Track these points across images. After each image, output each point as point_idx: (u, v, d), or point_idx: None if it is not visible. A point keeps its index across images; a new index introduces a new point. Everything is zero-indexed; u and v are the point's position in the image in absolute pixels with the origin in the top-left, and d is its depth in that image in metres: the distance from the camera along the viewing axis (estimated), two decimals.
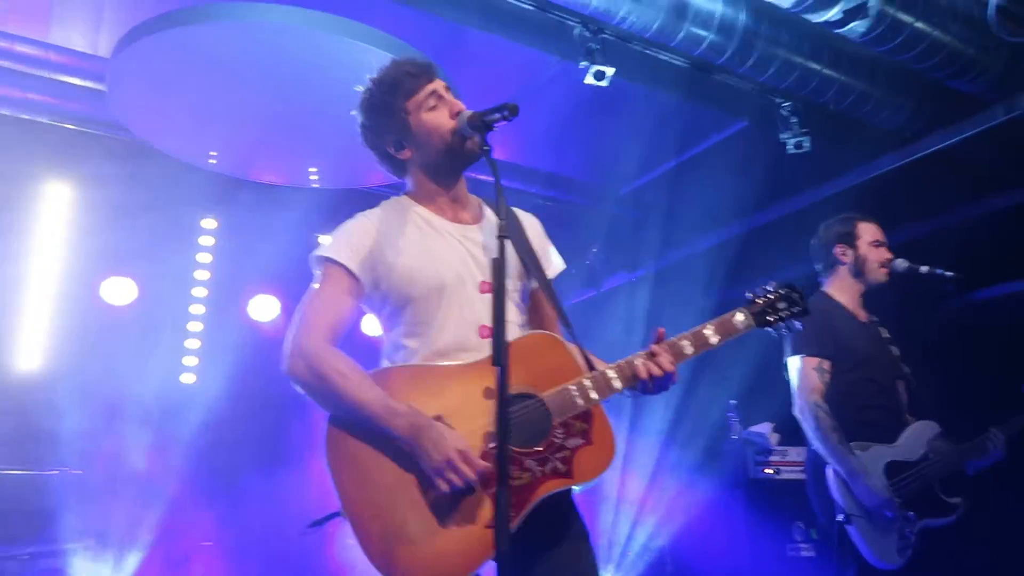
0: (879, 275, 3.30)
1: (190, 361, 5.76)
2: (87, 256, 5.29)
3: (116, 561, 4.44)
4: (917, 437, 3.10)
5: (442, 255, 2.02)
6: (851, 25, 3.44)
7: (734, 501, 4.99)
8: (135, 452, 4.90)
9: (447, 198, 2.11)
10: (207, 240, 5.85)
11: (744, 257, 5.26)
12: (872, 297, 3.36)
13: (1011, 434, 3.14)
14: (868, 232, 3.35)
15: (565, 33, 3.61)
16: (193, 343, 5.75)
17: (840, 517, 2.93)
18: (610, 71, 3.39)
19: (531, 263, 2.09)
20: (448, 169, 2.10)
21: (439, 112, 2.05)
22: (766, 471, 4.94)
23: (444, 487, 1.78)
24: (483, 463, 1.80)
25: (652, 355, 1.96)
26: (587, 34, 3.46)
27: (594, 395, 1.91)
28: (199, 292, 5.81)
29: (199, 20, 3.46)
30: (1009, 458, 3.13)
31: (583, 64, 3.46)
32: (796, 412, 3.16)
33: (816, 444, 3.07)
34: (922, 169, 4.36)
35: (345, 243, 2.02)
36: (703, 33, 3.59)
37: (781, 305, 2.14)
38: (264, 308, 5.90)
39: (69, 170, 5.19)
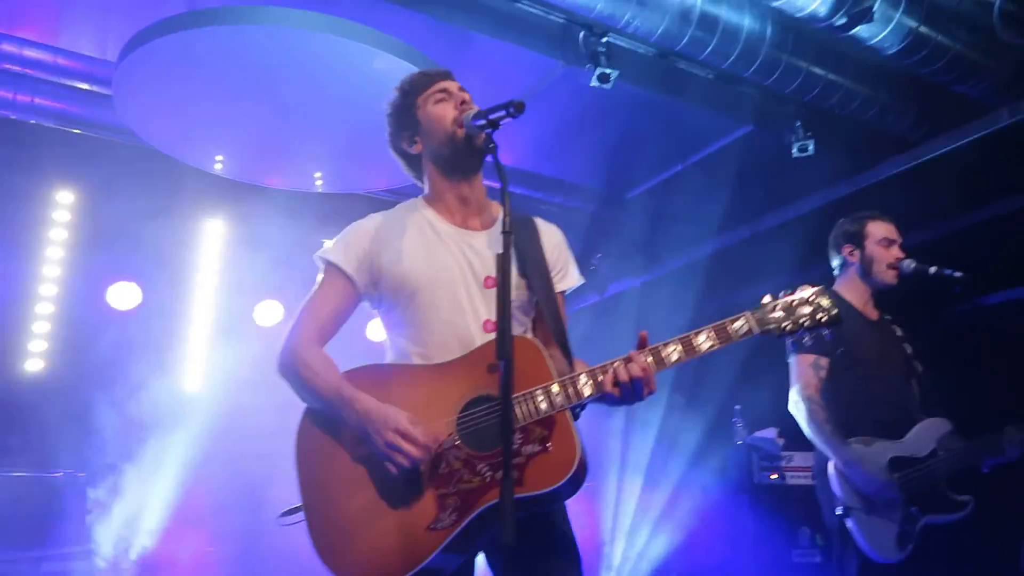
0: (887, 276, 3.27)
1: None
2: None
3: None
4: (926, 434, 3.07)
5: (438, 258, 2.04)
6: (856, 30, 3.45)
7: (739, 507, 4.97)
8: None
9: (456, 199, 2.11)
10: None
11: (749, 261, 5.26)
12: (883, 296, 3.33)
13: None
14: (878, 231, 3.31)
15: (570, 37, 3.63)
16: None
17: (839, 510, 2.93)
18: (614, 74, 3.40)
19: (534, 274, 2.06)
20: (454, 163, 2.10)
21: (445, 104, 2.07)
22: (772, 476, 4.93)
23: (391, 468, 1.80)
24: (425, 440, 1.79)
25: (627, 361, 1.84)
26: (592, 38, 3.48)
27: (560, 400, 1.82)
28: None
29: (206, 23, 3.48)
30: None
31: (587, 67, 3.47)
32: (790, 407, 3.18)
33: (811, 437, 3.09)
34: (926, 174, 4.36)
35: (343, 244, 2.08)
36: (707, 37, 3.61)
37: (803, 311, 1.93)
38: None
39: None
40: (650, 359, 1.85)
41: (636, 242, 6.01)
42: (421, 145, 2.12)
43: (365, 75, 3.72)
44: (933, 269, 3.19)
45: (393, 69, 3.72)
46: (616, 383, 1.82)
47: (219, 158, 4.79)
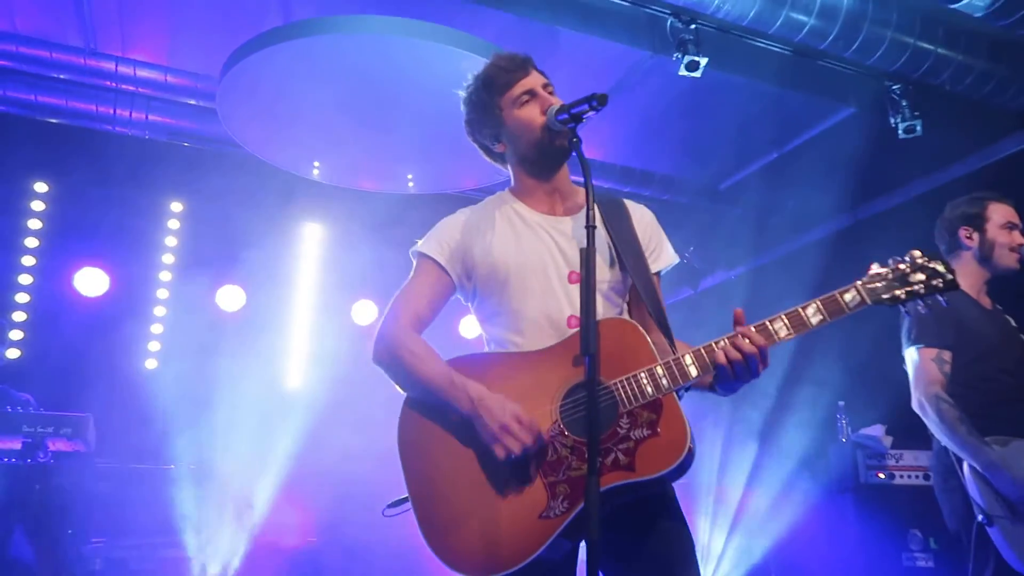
0: (1009, 261, 3.02)
1: None
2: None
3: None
4: None
5: (527, 246, 2.02)
6: (968, 0, 3.23)
7: (843, 507, 4.77)
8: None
9: (543, 191, 2.11)
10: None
11: (853, 251, 5.01)
12: (995, 284, 3.11)
13: None
14: (999, 214, 3.06)
15: (658, 27, 3.56)
16: None
17: (980, 518, 2.71)
18: (703, 61, 3.30)
19: (627, 256, 2.02)
20: (541, 164, 2.09)
21: (531, 108, 2.04)
22: (879, 476, 4.71)
23: (500, 452, 1.77)
24: (539, 427, 1.77)
25: (737, 336, 1.78)
26: (679, 25, 3.39)
27: (665, 383, 1.77)
28: None
29: (299, 35, 3.61)
30: None
31: (676, 56, 3.38)
32: (915, 407, 2.95)
33: (943, 439, 2.85)
34: None
35: (436, 238, 2.09)
36: (803, 18, 3.46)
37: (917, 277, 1.83)
38: None
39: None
40: (759, 334, 1.78)
41: (730, 234, 5.83)
42: (505, 147, 2.11)
43: (453, 77, 3.76)
44: None
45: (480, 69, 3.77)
46: (728, 360, 1.76)
47: (316, 164, 4.97)
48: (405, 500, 1.93)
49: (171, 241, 5.78)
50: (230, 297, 5.82)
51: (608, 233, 2.03)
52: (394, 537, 5.02)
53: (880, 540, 4.52)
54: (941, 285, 1.83)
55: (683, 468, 1.74)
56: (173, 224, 5.79)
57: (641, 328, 1.87)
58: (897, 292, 1.82)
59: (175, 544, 4.29)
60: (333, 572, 4.98)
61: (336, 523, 5.17)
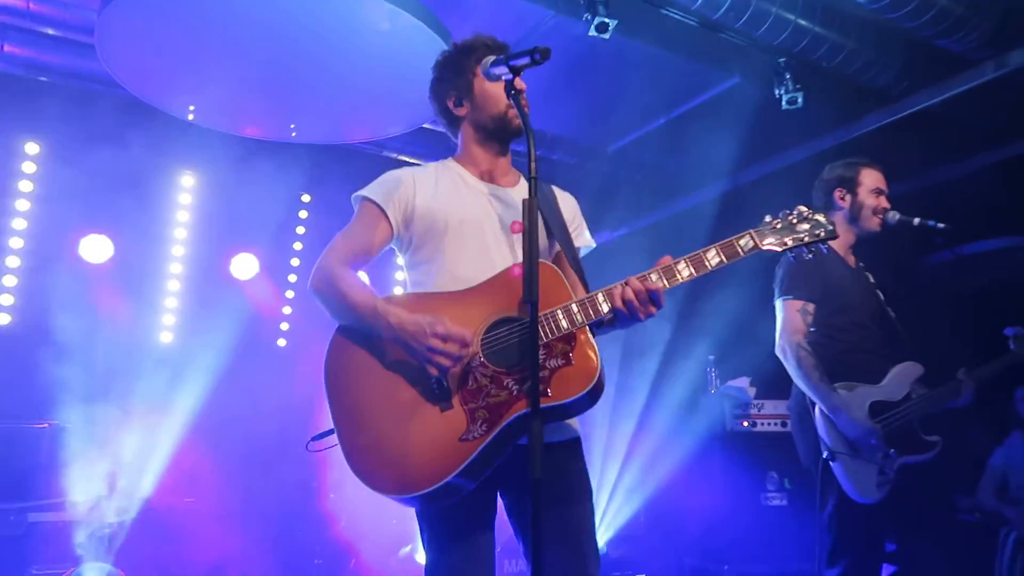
0: (872, 224, 3.36)
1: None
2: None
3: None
4: (901, 378, 3.19)
5: (468, 204, 2.20)
6: None
7: (712, 453, 5.13)
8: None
9: (487, 163, 2.29)
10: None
11: (733, 214, 5.31)
12: (862, 244, 3.42)
13: (981, 379, 3.24)
14: (871, 179, 3.38)
15: None
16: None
17: (825, 454, 3.04)
18: (613, 23, 3.38)
19: (556, 229, 2.22)
20: (494, 136, 2.26)
21: (501, 84, 2.12)
22: (743, 424, 5.09)
23: (435, 371, 1.91)
24: (462, 334, 1.91)
25: (641, 277, 1.99)
26: None
27: (579, 317, 1.95)
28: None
29: None
30: (977, 401, 3.23)
31: (586, 16, 3.43)
32: (777, 352, 3.24)
33: (798, 382, 3.16)
34: (909, 127, 4.44)
35: (380, 184, 2.23)
36: None
37: (803, 227, 2.08)
38: None
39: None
40: (661, 275, 1.99)
41: (616, 196, 6.02)
42: (466, 110, 2.27)
43: (349, 22, 3.64)
44: (917, 220, 3.29)
45: (378, 16, 3.65)
46: (626, 298, 1.94)
47: (191, 107, 4.65)
48: (329, 433, 2.01)
49: (26, 186, 5.25)
50: (95, 247, 5.39)
51: (539, 202, 2.14)
52: (273, 496, 4.97)
53: (742, 483, 4.93)
54: (823, 235, 2.08)
55: (594, 395, 1.91)
56: (28, 167, 5.26)
57: (557, 269, 2.06)
58: (785, 239, 2.07)
59: (45, 508, 4.02)
60: (212, 532, 4.84)
61: (214, 482, 5.02)
